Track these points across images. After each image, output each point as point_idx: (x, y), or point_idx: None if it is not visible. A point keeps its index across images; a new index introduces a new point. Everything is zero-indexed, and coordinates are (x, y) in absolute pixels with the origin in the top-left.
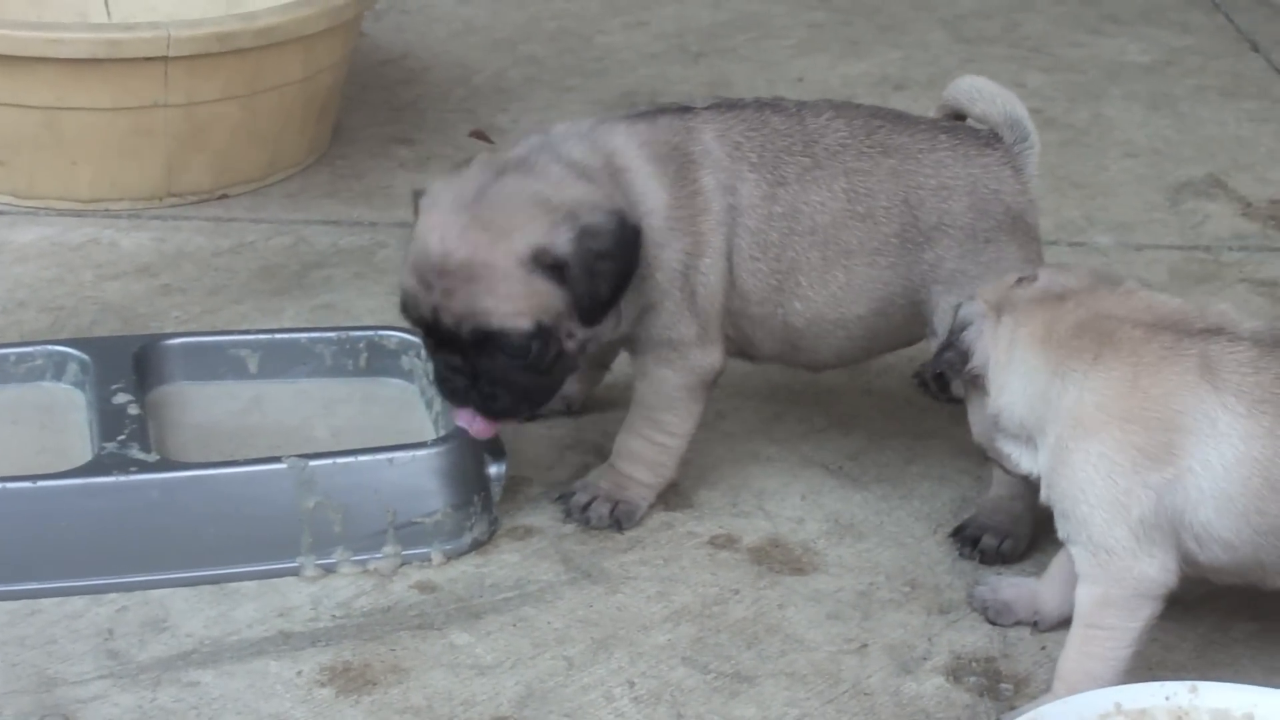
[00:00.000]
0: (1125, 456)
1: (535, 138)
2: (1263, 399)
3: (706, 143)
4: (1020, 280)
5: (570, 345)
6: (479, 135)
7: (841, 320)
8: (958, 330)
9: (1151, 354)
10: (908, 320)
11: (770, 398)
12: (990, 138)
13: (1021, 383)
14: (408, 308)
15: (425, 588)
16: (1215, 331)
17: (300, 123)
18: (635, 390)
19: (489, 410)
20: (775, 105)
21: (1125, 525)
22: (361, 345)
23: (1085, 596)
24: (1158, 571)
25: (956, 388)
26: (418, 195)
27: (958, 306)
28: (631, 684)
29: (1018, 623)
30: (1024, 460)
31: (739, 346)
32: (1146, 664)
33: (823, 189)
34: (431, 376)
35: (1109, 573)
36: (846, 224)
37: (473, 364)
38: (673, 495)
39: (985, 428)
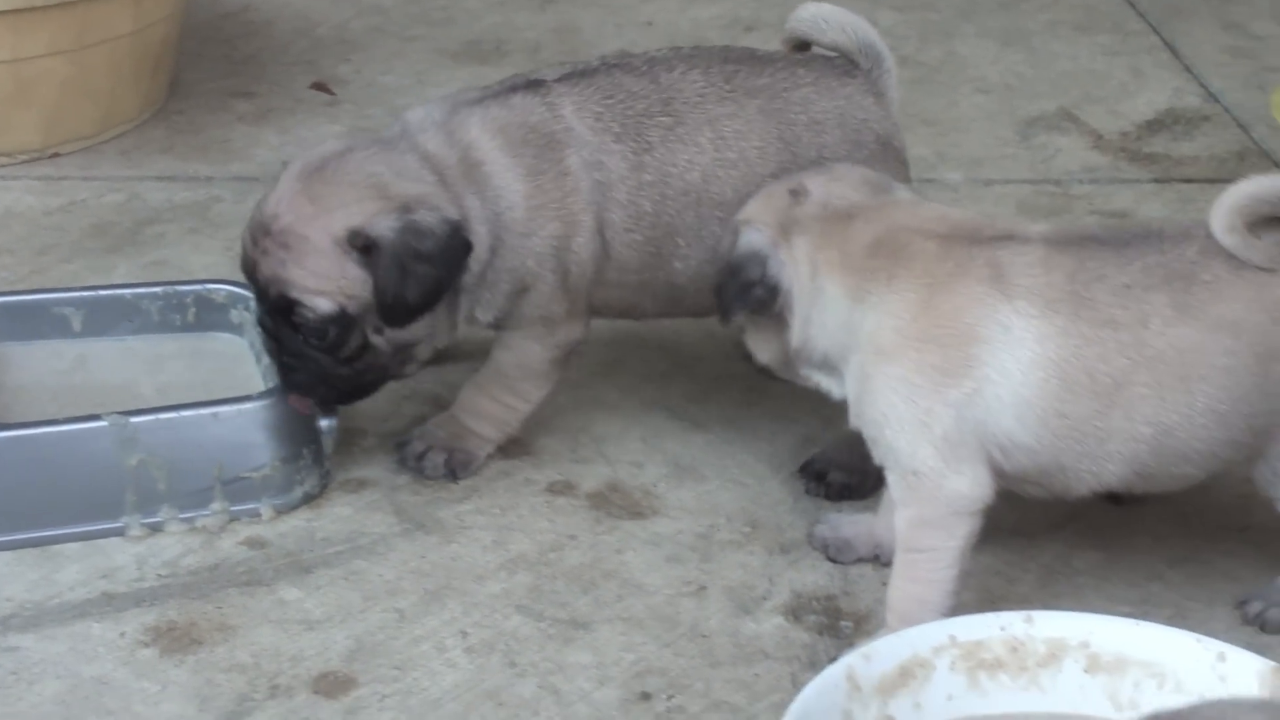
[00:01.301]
0: (924, 377)
1: (398, 125)
2: (1055, 299)
3: (567, 119)
4: (793, 194)
5: (378, 341)
6: (320, 87)
7: None
8: (748, 261)
9: (944, 270)
10: None
11: (612, 342)
12: (848, 66)
13: (825, 313)
14: (242, 267)
15: (254, 543)
16: (1005, 237)
17: (133, 77)
18: (494, 357)
19: (288, 382)
20: (625, 65)
21: (930, 444)
22: (189, 300)
23: (903, 521)
24: (969, 487)
25: (739, 319)
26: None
27: (733, 230)
28: (464, 634)
29: (859, 560)
30: (829, 386)
31: (622, 311)
32: (989, 597)
33: (689, 146)
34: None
35: (920, 494)
36: (717, 175)
37: (278, 332)
38: (511, 443)
39: (777, 356)
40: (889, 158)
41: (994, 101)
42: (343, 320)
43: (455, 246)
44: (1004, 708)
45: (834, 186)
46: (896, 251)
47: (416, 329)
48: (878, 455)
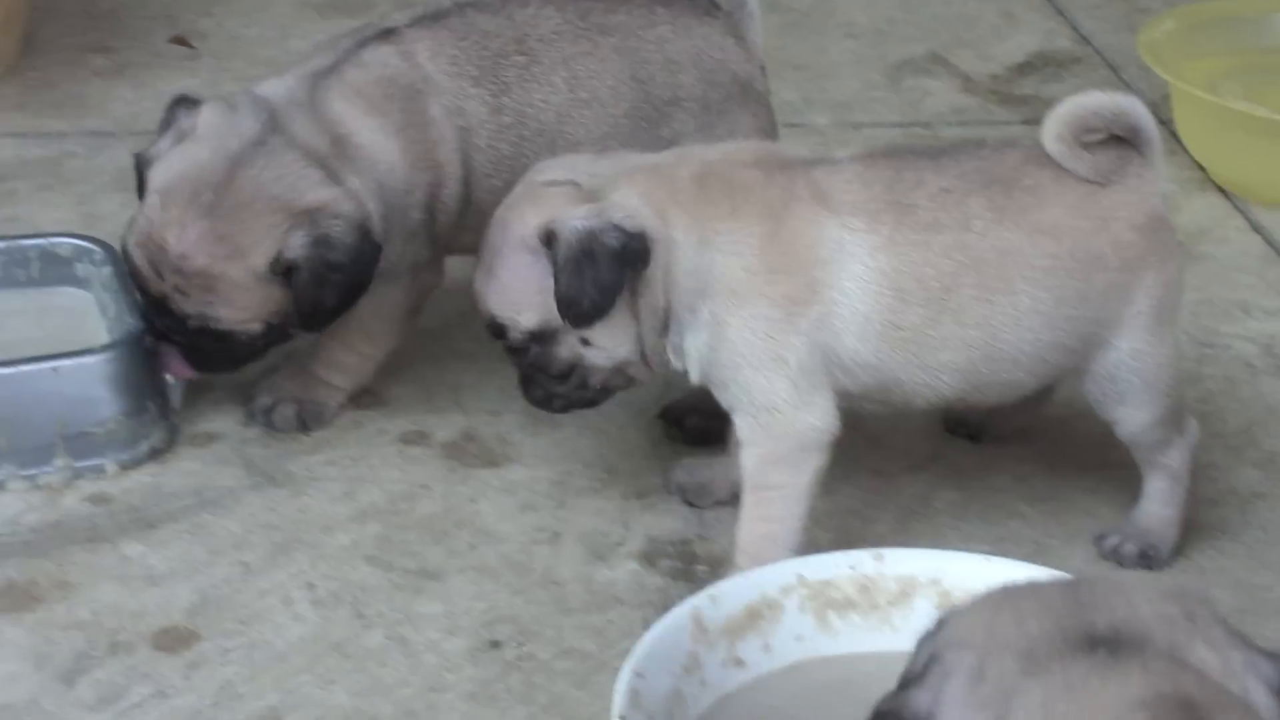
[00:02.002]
0: (779, 310)
1: (258, 107)
2: (878, 210)
3: (424, 67)
4: (553, 183)
5: (294, 333)
6: (180, 41)
7: None
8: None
9: (776, 198)
10: None
11: (469, 291)
12: (708, 7)
13: (677, 265)
14: (135, 279)
15: (98, 499)
16: (816, 160)
17: None
18: None
19: (200, 366)
20: (478, 3)
21: (786, 378)
22: (33, 254)
23: (751, 459)
24: (819, 419)
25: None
26: (140, 159)
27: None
28: (311, 586)
29: (717, 503)
30: (675, 360)
31: (476, 251)
32: (846, 537)
33: (544, 85)
34: (106, 284)
35: (771, 431)
36: (571, 115)
37: (192, 340)
38: (363, 393)
39: (631, 345)
40: (749, 100)
41: (864, 46)
42: (270, 332)
43: (365, 250)
44: (855, 647)
45: (601, 162)
46: (727, 185)
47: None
48: (728, 399)
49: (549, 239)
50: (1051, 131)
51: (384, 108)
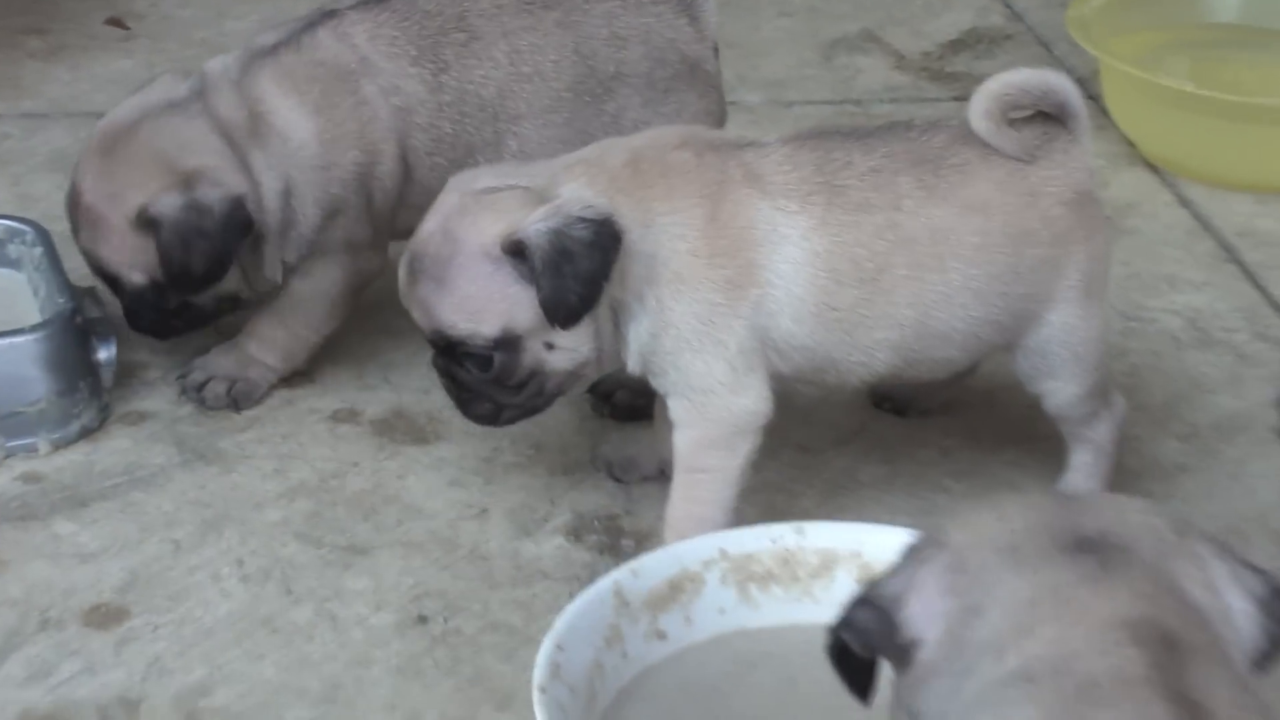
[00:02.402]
0: (721, 294)
1: (198, 78)
2: (809, 191)
3: (361, 49)
4: (493, 190)
5: (201, 300)
6: (114, 22)
7: None
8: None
9: (712, 179)
10: None
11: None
12: None
13: (626, 254)
14: None
15: (30, 478)
16: (744, 144)
17: None
18: (292, 286)
19: (134, 325)
20: None
21: (725, 362)
22: None
23: (685, 441)
24: (754, 402)
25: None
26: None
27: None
28: (240, 562)
29: (644, 478)
30: (622, 352)
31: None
32: (773, 512)
33: (484, 61)
34: (38, 264)
35: (707, 415)
36: (512, 89)
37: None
38: (294, 372)
39: (596, 343)
40: (698, 81)
41: (797, 24)
42: (155, 287)
43: (235, 222)
44: (776, 619)
45: (526, 166)
46: (661, 167)
47: (226, 286)
48: (665, 384)
49: (515, 248)
50: (978, 109)
51: (305, 89)
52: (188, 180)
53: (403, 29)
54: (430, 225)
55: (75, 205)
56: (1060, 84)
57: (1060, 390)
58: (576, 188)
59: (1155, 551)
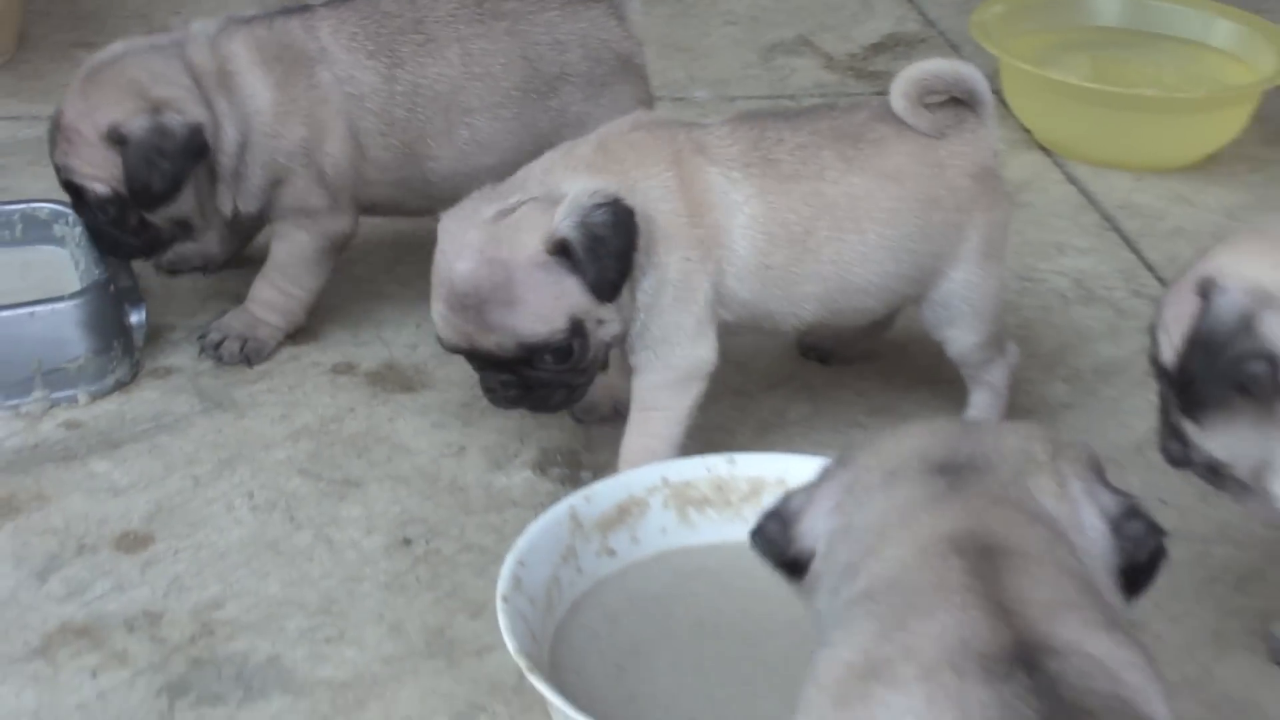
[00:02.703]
0: (697, 251)
1: (180, 31)
2: (749, 163)
3: (323, 40)
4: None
5: (154, 218)
6: None
7: (474, 172)
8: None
9: (672, 152)
10: None
11: (395, 244)
12: None
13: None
14: None
15: (71, 425)
16: (688, 124)
17: None
18: (272, 249)
19: (96, 243)
20: None
21: (693, 316)
22: (16, 217)
23: (642, 385)
24: (707, 352)
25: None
26: None
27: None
28: (251, 495)
29: (601, 420)
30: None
31: (390, 208)
32: (712, 448)
33: (438, 60)
34: (79, 242)
35: (667, 361)
36: (465, 86)
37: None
38: (300, 331)
39: (625, 321)
40: (629, 73)
41: (740, 30)
42: (117, 200)
43: (193, 147)
44: (711, 538)
45: (505, 185)
46: (625, 145)
47: (181, 209)
48: (636, 337)
49: (560, 248)
50: (898, 91)
51: (270, 64)
52: (157, 106)
53: (363, 26)
54: (465, 265)
55: (56, 124)
56: (970, 73)
57: (960, 338)
58: (572, 181)
59: (1015, 470)
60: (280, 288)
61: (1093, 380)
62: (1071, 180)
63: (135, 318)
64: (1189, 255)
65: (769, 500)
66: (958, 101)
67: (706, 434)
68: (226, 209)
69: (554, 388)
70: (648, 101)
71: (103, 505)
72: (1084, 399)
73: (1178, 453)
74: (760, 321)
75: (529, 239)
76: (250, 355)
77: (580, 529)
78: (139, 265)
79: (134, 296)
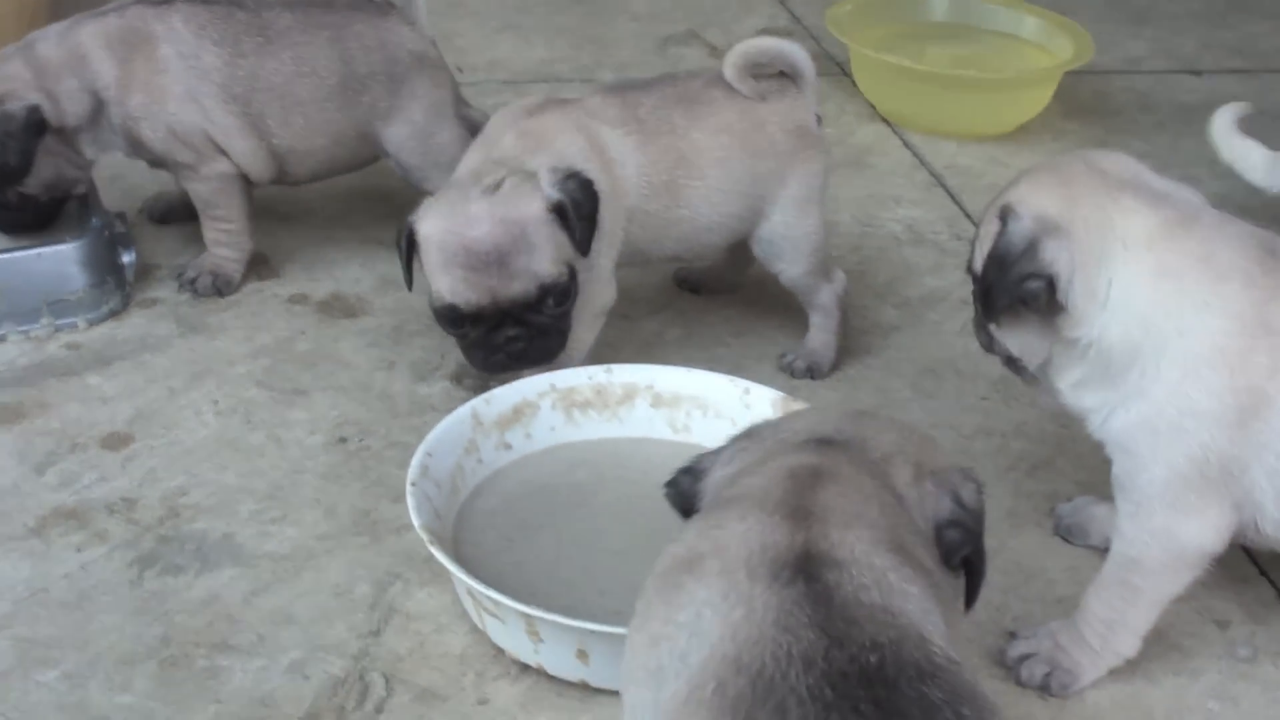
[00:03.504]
0: (614, 202)
1: (36, 34)
2: (625, 123)
3: (172, 24)
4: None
5: (29, 187)
6: None
7: (309, 150)
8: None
9: (571, 120)
10: (362, 147)
11: (346, 197)
12: (386, 7)
13: None
14: None
15: (71, 346)
16: (569, 98)
17: (15, 30)
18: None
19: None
20: (240, 4)
21: (609, 259)
22: None
23: None
24: (612, 287)
25: None
26: None
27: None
28: (216, 402)
29: None
30: None
31: (276, 178)
32: (600, 359)
33: (275, 59)
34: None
35: (590, 303)
36: (296, 81)
37: None
38: (264, 268)
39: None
40: (425, 67)
41: (640, 25)
42: None
43: (32, 124)
44: (593, 435)
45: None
46: (536, 126)
47: (44, 175)
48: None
49: (557, 208)
50: (729, 62)
51: (118, 43)
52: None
53: (213, 22)
54: (480, 230)
55: None
56: (790, 50)
57: (787, 270)
58: (535, 159)
59: (882, 453)
60: (215, 227)
61: (919, 307)
62: (907, 146)
63: (127, 258)
64: None
65: (640, 403)
66: (785, 75)
67: (597, 350)
68: (96, 157)
69: (551, 335)
70: (449, 86)
71: (94, 411)
72: (911, 322)
73: (985, 342)
74: (633, 259)
75: (529, 202)
76: (220, 288)
77: (481, 426)
78: (133, 215)
79: (126, 240)
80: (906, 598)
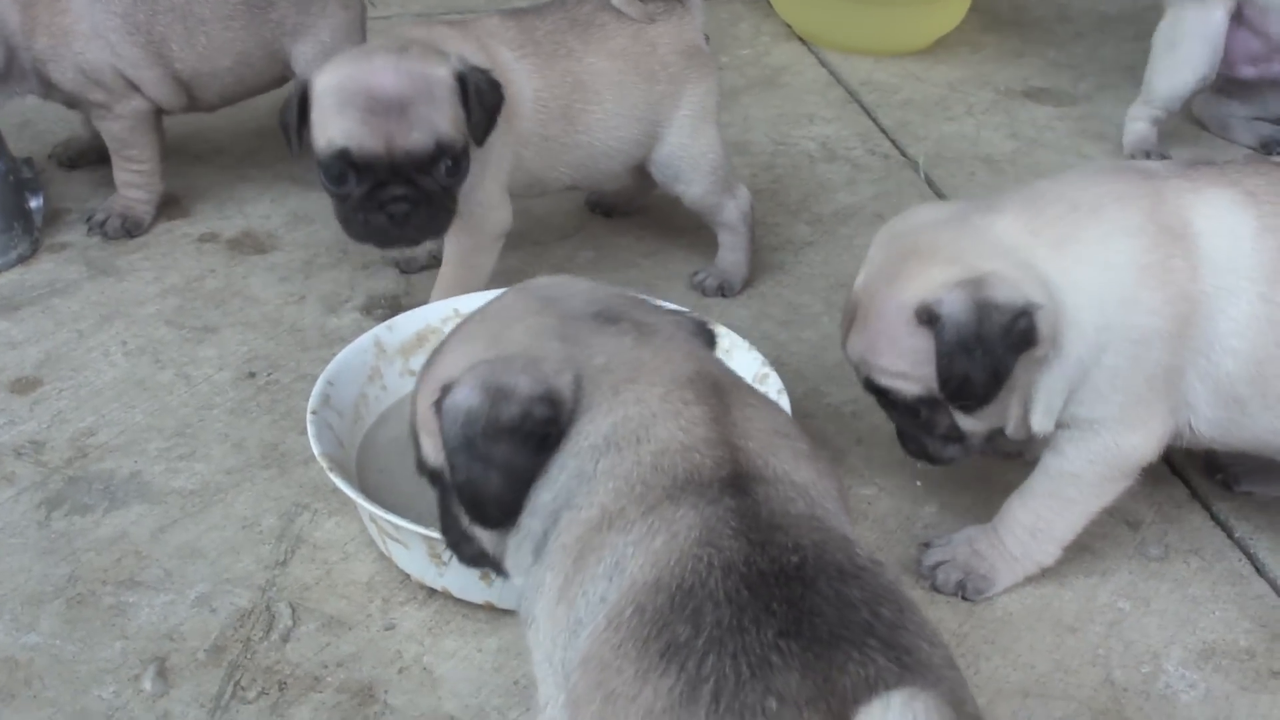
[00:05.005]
0: (505, 123)
1: None
2: (522, 45)
3: None
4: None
5: None
6: None
7: (215, 72)
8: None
9: (469, 39)
10: (269, 66)
11: (256, 134)
12: None
13: None
14: None
15: None
16: (460, 22)
17: None
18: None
19: None
20: None
21: (497, 184)
22: None
23: (458, 247)
24: (507, 214)
25: None
26: None
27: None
28: (125, 343)
29: (421, 269)
30: None
31: (181, 106)
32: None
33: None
34: None
35: (481, 227)
36: (198, 1)
37: None
38: (175, 209)
39: None
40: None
41: None
42: None
43: None
44: None
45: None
46: (438, 36)
47: None
48: (461, 208)
49: (461, 81)
50: None
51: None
52: None
53: None
54: (387, 77)
55: None
56: None
57: (687, 190)
58: (448, 47)
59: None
60: (126, 168)
61: (831, 222)
62: (823, 64)
63: (34, 203)
64: (917, 120)
65: None
66: None
67: (504, 276)
68: (25, 96)
69: (437, 206)
70: (355, 7)
71: (1, 356)
72: (824, 238)
73: (939, 451)
74: (530, 189)
75: (436, 64)
76: (130, 229)
77: (384, 354)
78: (42, 160)
79: (34, 185)
80: (827, 503)
